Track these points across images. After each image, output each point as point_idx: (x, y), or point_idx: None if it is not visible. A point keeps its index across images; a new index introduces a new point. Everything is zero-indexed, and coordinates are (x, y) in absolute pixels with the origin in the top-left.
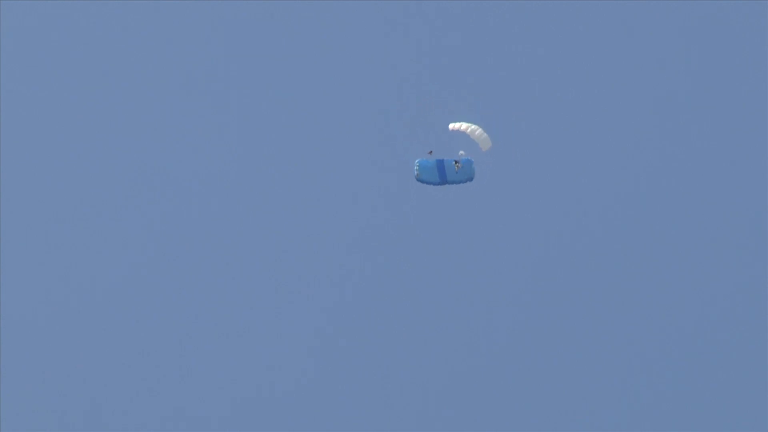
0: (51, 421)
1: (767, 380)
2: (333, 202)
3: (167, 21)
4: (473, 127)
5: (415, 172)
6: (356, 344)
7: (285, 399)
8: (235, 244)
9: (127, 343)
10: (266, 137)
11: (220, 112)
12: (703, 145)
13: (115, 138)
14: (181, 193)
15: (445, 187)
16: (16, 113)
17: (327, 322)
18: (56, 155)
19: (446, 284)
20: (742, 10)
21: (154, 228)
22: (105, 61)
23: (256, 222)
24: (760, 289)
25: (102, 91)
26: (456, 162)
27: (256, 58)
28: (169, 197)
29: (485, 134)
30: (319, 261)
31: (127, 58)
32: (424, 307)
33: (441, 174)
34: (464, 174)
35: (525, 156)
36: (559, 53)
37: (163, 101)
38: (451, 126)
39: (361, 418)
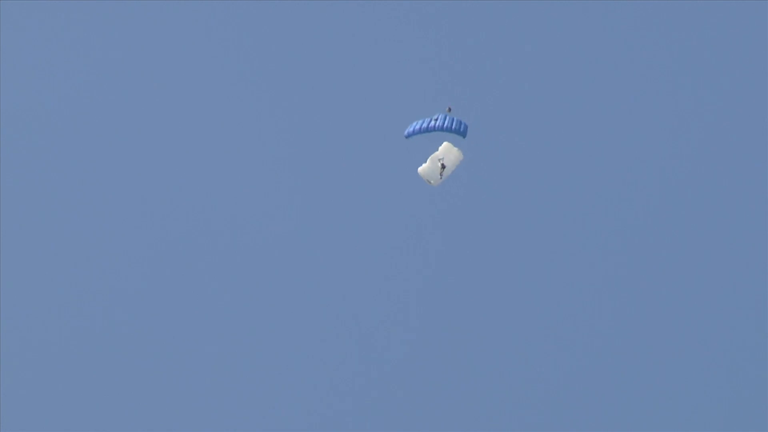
0: (51, 421)
1: (767, 380)
2: (337, 208)
3: (168, 22)
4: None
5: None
6: (368, 352)
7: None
8: (237, 251)
9: (129, 349)
10: (272, 143)
11: (234, 119)
12: (703, 145)
13: (117, 140)
14: (188, 199)
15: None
16: (17, 113)
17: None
18: (55, 156)
19: (449, 289)
20: (742, 10)
21: (161, 236)
22: (105, 61)
23: (261, 227)
24: (760, 288)
25: (102, 92)
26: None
27: (257, 61)
28: (181, 205)
29: (454, 156)
30: (323, 268)
31: (127, 60)
32: (427, 310)
33: (428, 123)
34: (453, 121)
35: (524, 156)
36: (559, 53)
37: (164, 103)
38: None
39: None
